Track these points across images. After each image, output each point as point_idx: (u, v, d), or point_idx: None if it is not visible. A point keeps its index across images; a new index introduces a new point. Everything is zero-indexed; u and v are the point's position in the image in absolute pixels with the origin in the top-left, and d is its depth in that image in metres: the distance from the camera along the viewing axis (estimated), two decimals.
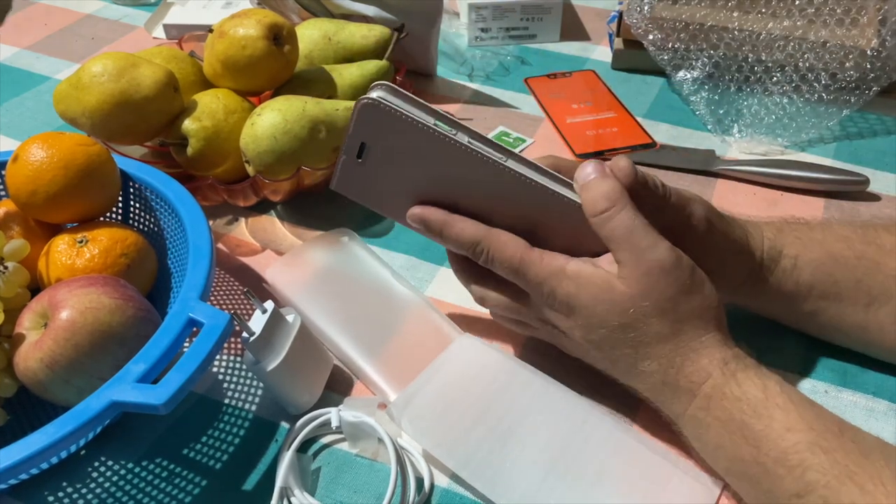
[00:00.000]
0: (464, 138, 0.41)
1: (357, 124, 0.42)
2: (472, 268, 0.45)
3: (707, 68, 0.70)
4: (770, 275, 0.45)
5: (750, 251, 0.45)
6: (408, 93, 0.42)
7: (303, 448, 0.45)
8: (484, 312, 0.51)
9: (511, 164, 0.41)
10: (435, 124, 0.41)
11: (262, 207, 0.62)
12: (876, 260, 0.45)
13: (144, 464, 0.45)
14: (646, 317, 0.39)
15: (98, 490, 0.43)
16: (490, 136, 0.68)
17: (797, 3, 0.65)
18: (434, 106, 0.42)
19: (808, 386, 0.47)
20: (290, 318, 0.46)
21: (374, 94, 0.41)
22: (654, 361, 0.39)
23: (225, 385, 0.49)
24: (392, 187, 0.44)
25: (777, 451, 0.36)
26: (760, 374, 0.39)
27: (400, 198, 0.44)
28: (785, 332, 0.49)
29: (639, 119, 0.71)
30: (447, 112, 0.43)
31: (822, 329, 0.48)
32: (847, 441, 0.35)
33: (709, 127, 0.69)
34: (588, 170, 0.41)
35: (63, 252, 0.48)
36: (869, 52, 0.64)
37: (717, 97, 0.70)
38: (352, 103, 0.59)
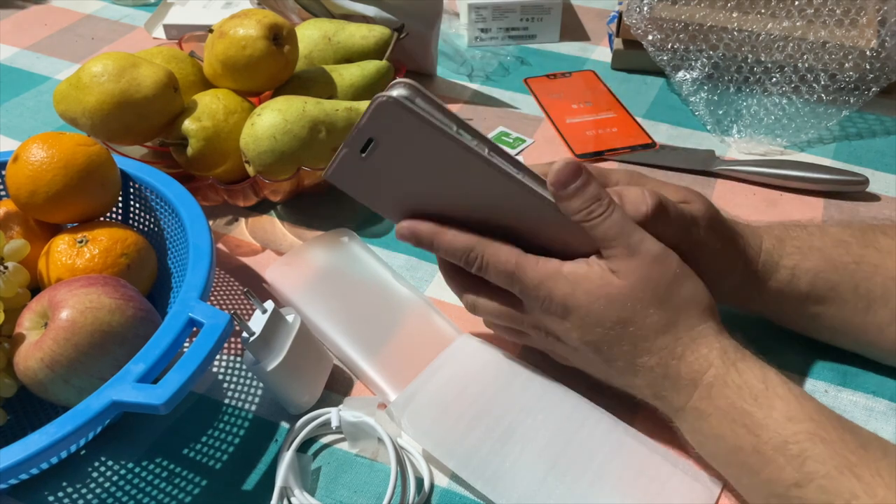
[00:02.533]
0: (483, 149, 0.40)
1: (371, 119, 0.39)
2: (463, 276, 0.44)
3: (706, 69, 0.71)
4: (768, 281, 0.46)
5: (747, 259, 0.45)
6: (432, 95, 0.40)
7: (303, 448, 0.45)
8: None
9: (523, 178, 0.40)
10: (457, 132, 0.39)
11: (262, 207, 0.62)
12: (874, 263, 0.45)
13: (144, 464, 0.45)
14: (644, 307, 0.39)
15: (98, 490, 0.43)
16: (490, 136, 0.69)
17: (797, 3, 0.65)
18: (453, 111, 0.41)
19: (808, 386, 0.47)
20: (289, 318, 0.46)
21: (395, 93, 0.39)
22: (653, 356, 0.40)
23: (225, 385, 0.49)
24: (390, 186, 0.42)
25: (778, 439, 0.36)
26: (760, 365, 0.39)
27: (397, 197, 0.43)
28: (784, 332, 0.49)
29: (638, 119, 0.71)
30: (466, 119, 0.40)
31: (821, 332, 0.48)
32: (846, 433, 0.36)
33: (708, 127, 0.69)
34: (568, 176, 0.40)
35: (63, 252, 0.48)
36: (868, 52, 0.64)
37: (716, 97, 0.71)
38: (352, 103, 0.59)
